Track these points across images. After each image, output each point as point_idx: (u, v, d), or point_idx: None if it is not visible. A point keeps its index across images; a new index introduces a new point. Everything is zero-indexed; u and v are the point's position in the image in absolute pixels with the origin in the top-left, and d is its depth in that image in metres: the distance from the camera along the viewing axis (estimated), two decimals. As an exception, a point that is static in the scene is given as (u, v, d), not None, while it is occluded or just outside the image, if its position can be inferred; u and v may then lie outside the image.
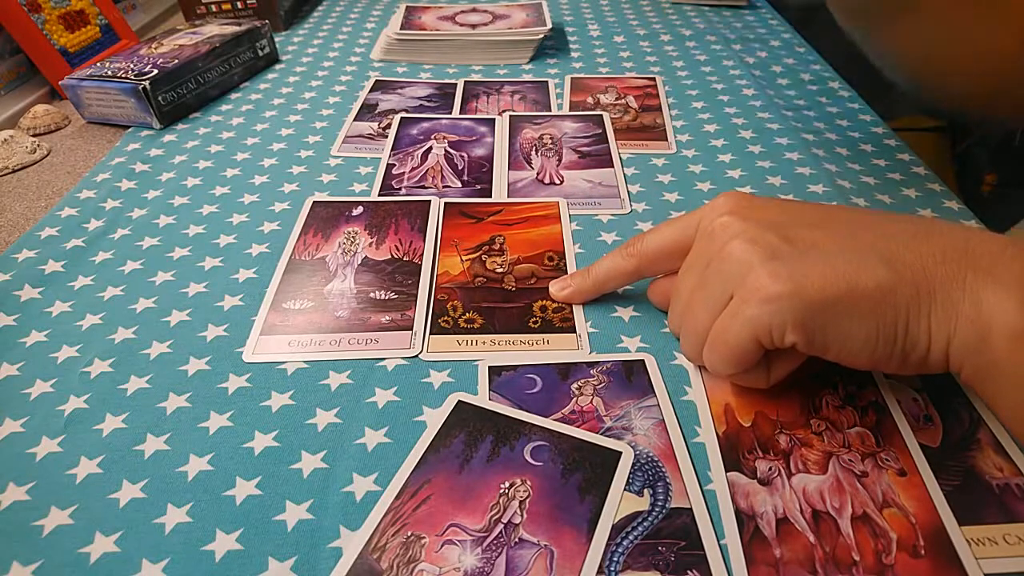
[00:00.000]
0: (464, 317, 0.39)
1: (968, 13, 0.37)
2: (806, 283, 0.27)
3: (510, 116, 0.59)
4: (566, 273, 0.42)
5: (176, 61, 0.60)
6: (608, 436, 0.31)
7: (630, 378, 0.34)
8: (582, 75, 0.68)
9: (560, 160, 0.53)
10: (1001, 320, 0.26)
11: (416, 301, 0.39)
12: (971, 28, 0.37)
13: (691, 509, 0.28)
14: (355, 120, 0.60)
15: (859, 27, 0.48)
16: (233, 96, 0.66)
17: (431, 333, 0.38)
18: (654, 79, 0.66)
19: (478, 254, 0.43)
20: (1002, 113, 0.48)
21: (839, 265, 0.28)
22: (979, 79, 0.41)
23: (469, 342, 0.37)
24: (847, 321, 0.28)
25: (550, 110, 0.62)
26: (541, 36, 0.70)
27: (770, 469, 0.30)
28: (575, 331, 0.38)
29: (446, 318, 0.38)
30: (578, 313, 0.39)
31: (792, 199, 0.35)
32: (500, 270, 0.42)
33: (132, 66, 0.60)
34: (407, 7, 0.77)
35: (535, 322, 0.38)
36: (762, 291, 0.28)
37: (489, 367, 0.35)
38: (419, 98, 0.64)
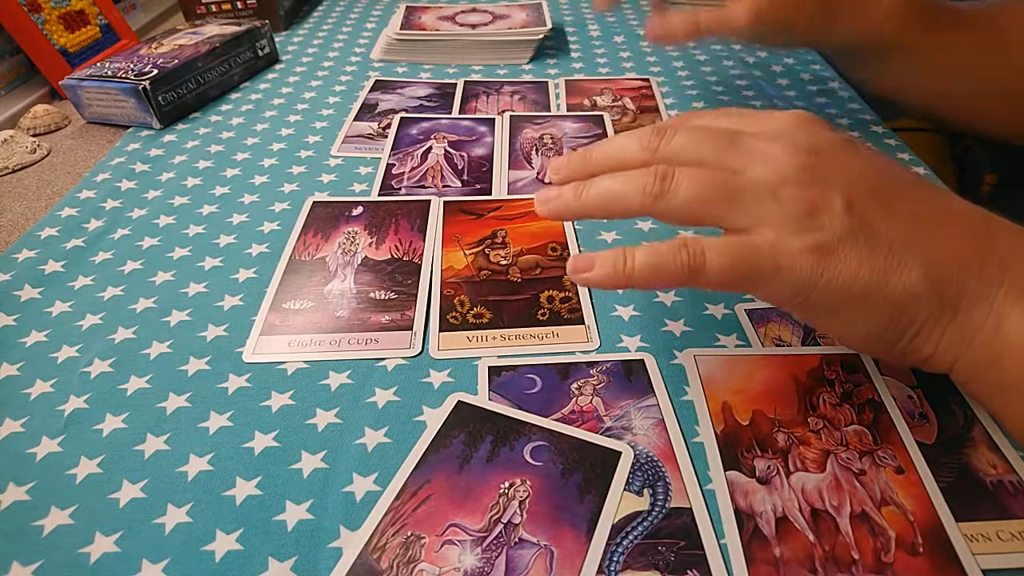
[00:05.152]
0: (472, 312, 0.38)
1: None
2: (838, 268, 0.26)
3: (510, 116, 0.59)
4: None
5: (176, 61, 0.60)
6: (608, 436, 0.31)
7: (630, 378, 0.34)
8: (576, 77, 0.68)
9: (560, 160, 0.53)
10: (1020, 344, 0.26)
11: (416, 301, 0.39)
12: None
13: (691, 509, 0.28)
14: (355, 120, 0.60)
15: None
16: (233, 96, 0.66)
17: (440, 330, 0.37)
18: (648, 80, 0.66)
19: (481, 248, 0.43)
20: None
21: (879, 259, 0.27)
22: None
23: (479, 338, 0.37)
24: (857, 312, 0.27)
25: (549, 110, 0.62)
26: (541, 36, 0.70)
27: (768, 468, 0.30)
28: (584, 322, 0.38)
29: (454, 314, 0.38)
30: (585, 304, 0.39)
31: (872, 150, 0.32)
32: (504, 262, 0.42)
33: (132, 66, 0.60)
34: (407, 7, 0.77)
35: (543, 314, 0.38)
36: (789, 256, 0.26)
37: (489, 367, 0.35)
38: (419, 98, 0.64)
